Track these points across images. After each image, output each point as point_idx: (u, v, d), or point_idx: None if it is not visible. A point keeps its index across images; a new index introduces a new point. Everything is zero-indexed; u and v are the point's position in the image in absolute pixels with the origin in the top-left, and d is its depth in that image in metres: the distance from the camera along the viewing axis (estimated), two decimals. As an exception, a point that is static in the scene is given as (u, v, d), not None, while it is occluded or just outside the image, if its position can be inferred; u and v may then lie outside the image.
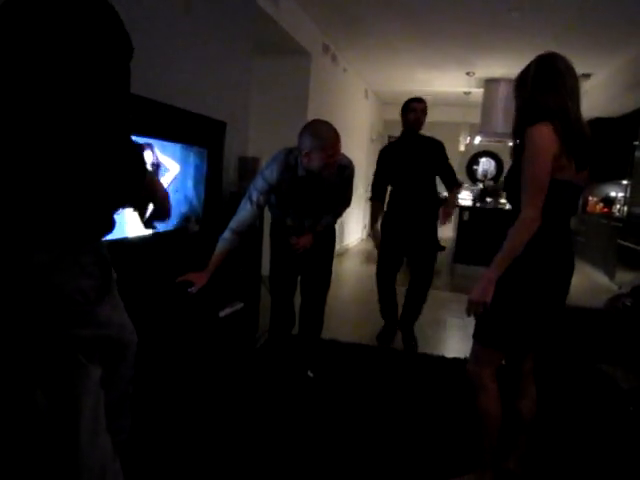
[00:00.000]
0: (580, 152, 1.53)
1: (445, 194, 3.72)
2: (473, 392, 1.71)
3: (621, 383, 1.69)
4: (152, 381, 1.90)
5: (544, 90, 1.54)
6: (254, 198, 2.32)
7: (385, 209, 3.50)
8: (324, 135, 2.22)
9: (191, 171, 2.41)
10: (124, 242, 1.87)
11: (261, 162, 3.21)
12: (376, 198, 3.48)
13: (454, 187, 3.49)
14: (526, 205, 1.49)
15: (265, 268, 3.13)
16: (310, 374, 2.73)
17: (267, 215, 2.73)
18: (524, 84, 1.59)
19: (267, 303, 2.82)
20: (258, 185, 2.34)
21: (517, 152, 1.58)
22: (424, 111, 3.28)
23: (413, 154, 3.29)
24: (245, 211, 2.32)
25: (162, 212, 1.15)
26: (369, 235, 3.60)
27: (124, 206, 1.05)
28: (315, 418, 2.26)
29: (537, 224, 1.48)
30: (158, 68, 2.38)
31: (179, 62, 2.57)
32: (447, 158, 3.40)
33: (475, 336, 1.68)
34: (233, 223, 2.30)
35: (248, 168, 3.15)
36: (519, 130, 1.57)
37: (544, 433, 2.00)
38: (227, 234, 2.29)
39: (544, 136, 1.47)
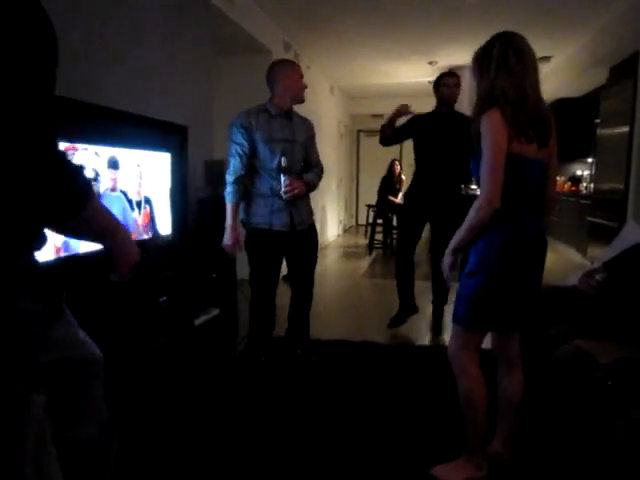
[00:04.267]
0: (539, 130, 1.57)
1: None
2: (456, 376, 1.71)
3: (599, 358, 1.71)
4: (127, 398, 1.83)
5: (505, 73, 1.54)
6: (239, 150, 2.46)
7: (410, 183, 3.50)
8: (289, 61, 2.66)
9: (154, 178, 2.35)
10: (92, 253, 1.80)
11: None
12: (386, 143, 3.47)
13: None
14: (484, 188, 1.53)
15: (241, 273, 3.08)
16: (299, 351, 2.83)
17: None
18: (487, 68, 1.58)
19: (243, 308, 2.78)
20: (236, 138, 2.46)
21: (477, 139, 1.59)
22: (457, 85, 3.24)
23: (446, 129, 3.22)
24: (235, 161, 2.47)
25: (120, 262, 1.00)
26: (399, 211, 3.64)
27: (52, 225, 0.91)
28: (303, 417, 2.22)
29: (495, 206, 1.52)
30: (110, 73, 2.30)
31: (131, 66, 2.49)
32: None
33: (454, 320, 1.70)
34: (230, 176, 2.47)
35: (215, 172, 3.09)
36: (477, 117, 1.59)
37: (527, 414, 2.01)
38: (230, 188, 2.47)
39: (494, 123, 1.51)
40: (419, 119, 3.42)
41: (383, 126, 3.42)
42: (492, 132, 1.52)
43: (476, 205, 1.55)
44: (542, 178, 1.66)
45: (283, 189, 2.46)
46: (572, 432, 1.87)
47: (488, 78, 1.57)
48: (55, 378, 0.95)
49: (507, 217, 1.57)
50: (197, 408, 2.26)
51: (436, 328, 3.52)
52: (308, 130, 2.68)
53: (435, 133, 3.27)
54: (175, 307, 2.22)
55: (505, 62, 1.54)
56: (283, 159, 2.46)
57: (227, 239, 2.50)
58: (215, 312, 2.60)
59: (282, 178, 2.46)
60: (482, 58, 1.61)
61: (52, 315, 0.92)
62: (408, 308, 3.53)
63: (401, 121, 3.44)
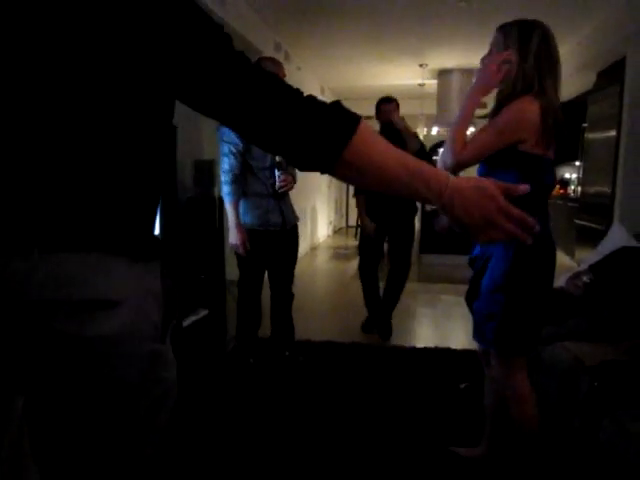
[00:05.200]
0: (560, 137, 1.48)
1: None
2: (508, 401, 1.56)
3: (586, 360, 1.72)
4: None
5: (546, 71, 1.45)
6: (232, 149, 2.44)
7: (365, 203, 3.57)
8: (272, 59, 2.67)
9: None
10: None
11: (217, 164, 3.14)
12: (360, 193, 3.56)
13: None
14: (463, 154, 1.45)
15: (230, 274, 3.07)
16: (287, 353, 2.83)
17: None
18: (524, 56, 1.46)
19: (232, 309, 2.77)
20: (230, 137, 2.44)
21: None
22: (394, 110, 3.43)
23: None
24: (230, 160, 2.45)
25: None
26: (360, 226, 3.68)
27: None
28: (292, 419, 2.21)
29: (455, 169, 1.46)
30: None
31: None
32: (422, 144, 3.51)
33: (490, 345, 1.55)
34: (226, 175, 2.44)
35: (205, 171, 3.07)
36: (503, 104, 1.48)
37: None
38: (229, 187, 2.44)
39: (529, 111, 1.41)
40: None
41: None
42: (518, 120, 1.41)
43: (448, 162, 1.47)
44: (554, 179, 1.57)
45: (278, 184, 2.50)
46: (559, 432, 1.88)
47: (533, 73, 1.44)
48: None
49: (540, 224, 1.45)
50: (186, 410, 2.24)
51: (385, 333, 3.47)
52: None
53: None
54: (175, 305, 2.20)
55: (550, 63, 1.46)
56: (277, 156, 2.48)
57: (235, 239, 2.48)
58: (204, 313, 2.58)
59: (276, 173, 2.50)
60: (526, 50, 1.47)
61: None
62: (376, 317, 3.55)
63: None
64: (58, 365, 0.65)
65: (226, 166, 2.46)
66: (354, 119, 0.72)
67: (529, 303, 1.46)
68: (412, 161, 0.75)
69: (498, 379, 1.57)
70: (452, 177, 0.75)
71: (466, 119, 1.50)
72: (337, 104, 0.74)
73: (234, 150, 2.45)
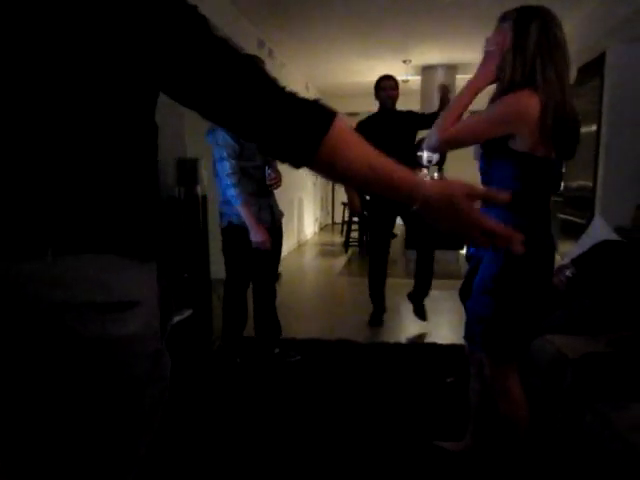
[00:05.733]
0: (565, 137, 1.37)
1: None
2: (497, 399, 1.53)
3: (568, 353, 1.74)
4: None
5: (547, 61, 1.34)
6: (230, 152, 2.42)
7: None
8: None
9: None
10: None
11: (201, 162, 3.11)
12: None
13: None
14: (449, 131, 1.39)
15: (214, 273, 3.05)
16: (277, 350, 2.83)
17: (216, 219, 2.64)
18: (522, 49, 1.37)
19: (217, 308, 2.75)
20: (226, 140, 2.42)
21: None
22: (394, 88, 3.42)
23: (390, 130, 3.35)
24: (230, 164, 2.43)
25: None
26: (349, 204, 3.68)
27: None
28: (280, 416, 2.20)
29: (441, 148, 1.42)
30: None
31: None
32: (416, 113, 3.51)
33: (480, 348, 1.52)
34: (231, 178, 2.43)
35: (187, 170, 3.05)
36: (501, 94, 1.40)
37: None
38: (236, 189, 2.42)
39: (525, 105, 1.32)
40: (364, 123, 3.53)
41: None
42: (512, 113, 1.33)
43: (433, 138, 1.43)
44: (559, 178, 1.51)
45: (268, 181, 2.54)
46: (544, 424, 1.90)
47: (532, 64, 1.35)
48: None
49: (527, 227, 1.33)
50: (173, 412, 2.21)
51: (420, 313, 3.56)
52: None
53: (381, 133, 3.34)
54: (170, 304, 2.18)
55: (552, 52, 1.36)
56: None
57: (258, 236, 2.45)
58: (188, 313, 2.56)
59: (267, 171, 2.53)
60: (524, 41, 1.38)
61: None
62: (381, 308, 3.58)
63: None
64: (75, 365, 0.65)
65: (229, 169, 2.44)
66: (330, 115, 0.71)
67: (519, 308, 1.41)
68: (383, 165, 0.73)
69: (489, 379, 1.54)
70: (425, 183, 0.73)
71: (460, 103, 1.42)
72: (314, 100, 0.73)
73: (232, 152, 2.44)
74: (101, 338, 0.65)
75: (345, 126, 0.73)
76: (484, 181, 1.51)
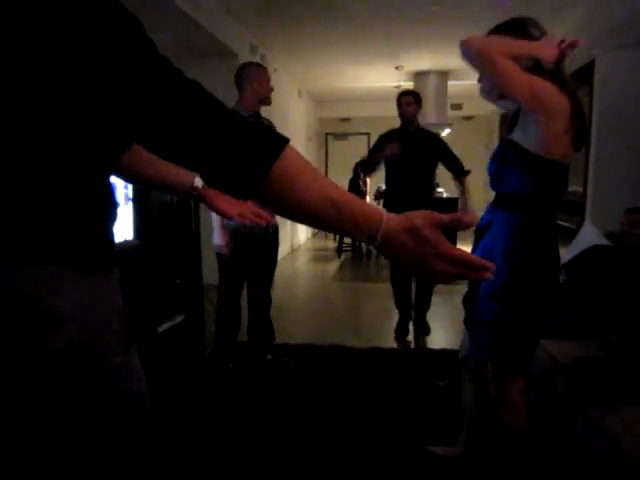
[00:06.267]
0: (582, 129, 1.39)
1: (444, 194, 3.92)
2: (497, 404, 1.51)
3: (559, 358, 1.75)
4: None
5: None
6: None
7: (383, 199, 3.68)
8: (258, 64, 2.70)
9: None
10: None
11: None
12: (368, 172, 3.69)
13: (462, 176, 3.48)
14: (491, 52, 1.31)
15: (206, 278, 3.03)
16: (269, 356, 2.82)
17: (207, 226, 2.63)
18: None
19: (209, 313, 2.74)
20: None
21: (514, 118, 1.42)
22: (409, 104, 3.40)
23: (411, 146, 3.34)
24: None
25: None
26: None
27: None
28: (273, 421, 2.19)
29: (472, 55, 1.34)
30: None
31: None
32: (449, 149, 3.47)
33: (486, 355, 1.50)
34: None
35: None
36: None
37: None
38: None
39: (560, 101, 1.31)
40: (387, 136, 3.51)
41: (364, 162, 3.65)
42: (551, 91, 1.30)
43: (477, 43, 1.35)
44: (567, 184, 1.49)
45: None
46: (536, 428, 1.90)
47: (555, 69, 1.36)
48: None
49: (535, 232, 1.39)
50: (165, 419, 2.20)
51: (421, 330, 3.53)
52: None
53: (406, 150, 3.34)
54: (137, 314, 2.16)
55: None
56: None
57: (219, 239, 2.42)
58: (180, 318, 2.55)
59: None
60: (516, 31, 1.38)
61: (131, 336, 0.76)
62: (407, 315, 3.56)
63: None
64: (12, 379, 0.61)
65: None
66: (280, 142, 0.66)
67: (527, 314, 1.40)
68: (342, 197, 0.67)
69: (491, 385, 1.51)
70: (385, 217, 0.67)
71: (513, 48, 1.35)
72: (266, 126, 0.69)
73: None
74: (30, 352, 0.60)
75: (298, 155, 0.68)
76: (494, 185, 1.50)
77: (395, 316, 3.75)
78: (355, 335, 3.48)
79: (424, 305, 3.56)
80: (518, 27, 1.40)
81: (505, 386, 1.48)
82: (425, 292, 3.53)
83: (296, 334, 3.41)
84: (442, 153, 3.45)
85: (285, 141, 0.67)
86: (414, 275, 0.70)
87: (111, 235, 0.73)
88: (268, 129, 0.68)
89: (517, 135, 1.40)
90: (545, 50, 1.35)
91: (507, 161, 1.41)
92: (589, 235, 2.74)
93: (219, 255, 2.56)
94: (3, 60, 0.58)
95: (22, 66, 0.58)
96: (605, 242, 2.58)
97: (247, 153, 0.64)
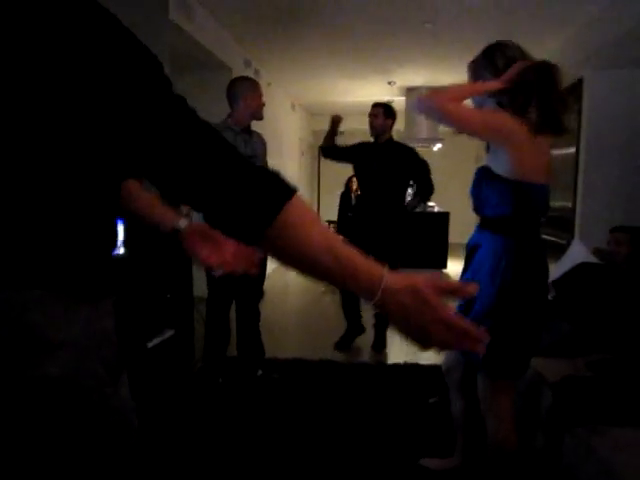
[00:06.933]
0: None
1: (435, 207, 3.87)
2: (487, 419, 1.54)
3: (548, 376, 1.75)
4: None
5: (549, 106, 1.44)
6: None
7: (350, 214, 3.59)
8: (250, 79, 2.70)
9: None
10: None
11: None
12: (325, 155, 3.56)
13: (423, 199, 3.58)
14: (450, 105, 1.39)
15: (196, 290, 3.02)
16: (260, 372, 2.80)
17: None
18: (528, 91, 1.43)
19: (199, 327, 2.72)
20: None
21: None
22: (376, 115, 3.39)
23: (376, 160, 3.33)
24: None
25: None
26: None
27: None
28: (262, 437, 2.17)
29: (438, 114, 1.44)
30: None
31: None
32: (424, 168, 3.41)
33: (478, 369, 1.53)
34: None
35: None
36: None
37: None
38: None
39: (514, 129, 1.39)
40: (361, 146, 3.54)
41: (325, 137, 3.53)
42: (502, 125, 1.40)
43: (433, 102, 1.43)
44: (547, 204, 1.57)
45: None
46: (523, 446, 1.90)
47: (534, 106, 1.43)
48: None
49: (519, 251, 1.44)
50: (155, 434, 2.17)
51: (379, 345, 3.51)
52: (263, 145, 2.74)
53: (371, 162, 3.36)
54: (126, 329, 2.14)
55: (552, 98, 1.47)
56: None
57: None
58: (170, 333, 2.53)
59: None
60: (528, 85, 1.44)
61: (121, 367, 0.75)
62: (356, 328, 3.54)
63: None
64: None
65: None
66: (287, 191, 0.66)
67: (517, 329, 1.44)
68: (344, 251, 0.67)
69: (481, 398, 1.54)
70: (387, 274, 0.66)
71: (463, 91, 1.46)
72: (274, 173, 0.68)
73: None
74: (21, 380, 0.60)
75: (304, 204, 0.68)
76: (476, 208, 1.55)
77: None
78: (346, 350, 3.47)
79: (385, 320, 3.52)
80: (488, 57, 1.50)
81: (495, 401, 1.50)
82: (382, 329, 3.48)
83: (286, 348, 3.39)
84: (415, 170, 3.38)
85: (293, 190, 0.67)
86: (410, 337, 0.68)
87: (109, 261, 0.72)
88: (277, 176, 0.68)
89: (490, 162, 1.47)
90: (487, 86, 1.46)
91: (485, 186, 1.47)
92: (577, 253, 2.77)
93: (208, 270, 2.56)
94: (23, 93, 0.58)
95: (42, 96, 0.58)
96: (593, 259, 2.61)
97: (255, 199, 0.64)
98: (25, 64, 0.57)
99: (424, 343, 0.68)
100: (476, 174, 1.54)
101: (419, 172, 3.41)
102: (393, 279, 0.66)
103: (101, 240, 0.70)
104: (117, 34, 0.63)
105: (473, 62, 1.54)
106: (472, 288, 0.68)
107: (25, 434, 0.62)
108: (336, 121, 3.44)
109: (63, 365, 0.63)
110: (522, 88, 1.42)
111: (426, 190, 3.45)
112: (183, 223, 1.05)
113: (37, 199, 0.61)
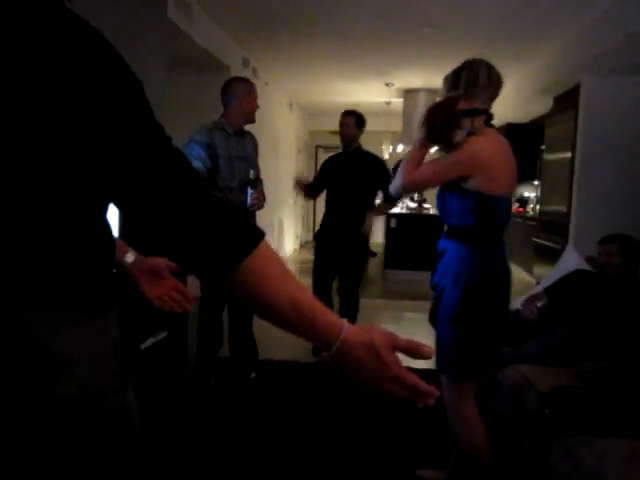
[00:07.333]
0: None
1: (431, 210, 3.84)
2: (454, 426, 1.65)
3: (538, 386, 1.76)
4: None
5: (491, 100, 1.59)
6: (200, 166, 2.36)
7: (320, 224, 3.56)
8: (247, 80, 2.64)
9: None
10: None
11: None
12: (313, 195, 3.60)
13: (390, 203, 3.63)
14: (414, 174, 1.53)
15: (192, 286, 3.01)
16: (254, 374, 2.79)
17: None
18: (473, 91, 1.57)
19: (192, 328, 2.72)
20: (199, 154, 2.39)
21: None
22: (349, 125, 3.34)
23: (349, 169, 3.35)
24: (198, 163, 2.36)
25: None
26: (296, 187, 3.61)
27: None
28: (254, 439, 2.18)
29: (401, 191, 1.57)
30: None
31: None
32: (386, 173, 3.43)
33: (441, 370, 1.64)
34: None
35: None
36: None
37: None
38: None
39: (475, 152, 1.50)
40: (329, 161, 3.58)
41: (304, 194, 3.61)
42: (462, 153, 1.51)
43: (397, 182, 1.58)
44: (509, 213, 1.65)
45: (250, 201, 2.48)
46: (511, 456, 1.92)
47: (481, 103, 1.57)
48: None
49: (481, 259, 1.54)
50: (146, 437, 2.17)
51: None
52: (255, 146, 2.74)
53: (341, 172, 3.37)
54: (125, 333, 2.14)
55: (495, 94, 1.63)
56: (252, 172, 2.50)
57: None
58: (163, 334, 2.52)
59: (249, 191, 2.48)
60: (474, 85, 1.60)
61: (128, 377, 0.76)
62: None
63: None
64: (11, 429, 0.61)
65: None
66: (253, 237, 0.66)
67: (478, 334, 1.52)
68: (307, 302, 0.68)
69: (447, 404, 1.63)
70: (345, 328, 0.67)
71: (413, 156, 1.59)
72: (243, 219, 0.69)
73: (202, 166, 2.40)
74: (39, 400, 0.61)
75: (270, 251, 0.69)
76: (442, 216, 1.66)
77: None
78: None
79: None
80: (455, 75, 1.61)
81: (457, 403, 1.60)
82: (350, 304, 3.44)
83: (279, 350, 3.39)
84: (380, 176, 3.36)
85: (260, 236, 0.68)
86: (362, 384, 0.70)
87: (110, 272, 0.73)
88: (247, 219, 0.69)
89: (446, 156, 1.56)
90: (415, 142, 1.61)
91: (449, 198, 1.56)
92: (570, 260, 2.79)
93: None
94: (7, 120, 0.58)
95: (25, 123, 0.58)
96: (586, 267, 2.62)
97: (221, 243, 0.64)
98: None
99: (375, 390, 0.70)
100: (440, 187, 1.63)
101: (383, 176, 3.39)
102: (351, 333, 0.67)
103: (102, 252, 0.70)
104: (97, 54, 0.62)
105: (445, 78, 1.65)
106: (427, 350, 0.69)
107: (49, 454, 0.63)
108: (300, 183, 3.55)
109: (79, 383, 0.63)
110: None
111: (392, 199, 3.47)
112: (130, 258, 1.06)
113: (38, 220, 0.61)
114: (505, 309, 1.62)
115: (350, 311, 3.39)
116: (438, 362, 1.62)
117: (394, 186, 1.60)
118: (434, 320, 1.67)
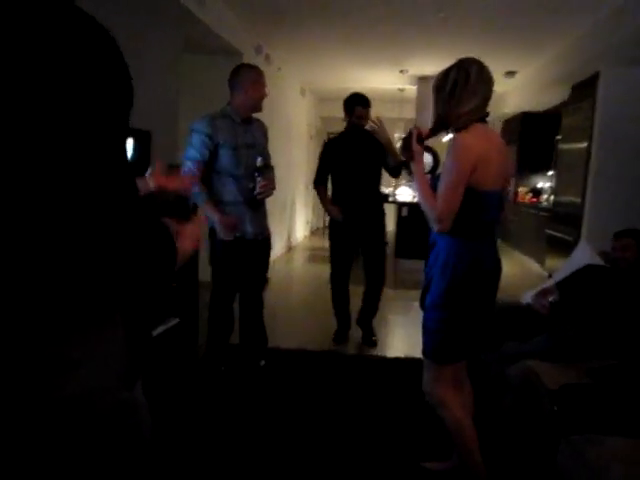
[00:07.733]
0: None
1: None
2: (437, 410, 1.71)
3: (547, 382, 1.76)
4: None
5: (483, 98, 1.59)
6: (197, 156, 2.37)
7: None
8: (255, 68, 2.56)
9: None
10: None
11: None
12: (321, 183, 3.50)
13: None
14: (442, 217, 1.54)
15: (203, 272, 3.02)
16: (263, 362, 2.81)
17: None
18: (464, 90, 1.57)
19: (203, 314, 2.75)
20: (198, 143, 2.38)
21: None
22: (366, 117, 3.32)
23: (357, 150, 3.32)
24: (194, 165, 2.35)
25: None
26: (328, 214, 3.52)
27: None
28: (263, 428, 2.21)
29: (445, 226, 1.55)
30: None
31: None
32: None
33: (424, 354, 1.72)
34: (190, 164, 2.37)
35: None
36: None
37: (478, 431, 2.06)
38: (198, 188, 2.35)
39: (467, 146, 1.53)
40: (330, 143, 3.54)
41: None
42: (459, 149, 1.55)
43: (431, 217, 1.59)
44: (499, 209, 1.69)
45: (258, 189, 2.45)
46: (519, 452, 1.92)
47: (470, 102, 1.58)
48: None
49: (468, 251, 1.59)
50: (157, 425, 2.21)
51: (368, 341, 3.49)
52: (265, 134, 2.70)
53: (349, 154, 3.33)
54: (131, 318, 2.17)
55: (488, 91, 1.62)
56: (259, 159, 2.46)
57: (223, 227, 2.41)
58: (174, 321, 2.56)
59: (257, 178, 2.45)
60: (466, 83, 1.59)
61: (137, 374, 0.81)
62: (346, 325, 3.56)
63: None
64: (19, 430, 0.63)
65: (188, 163, 2.40)
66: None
67: (462, 321, 1.60)
68: None
69: (424, 390, 1.73)
70: None
71: (422, 186, 1.64)
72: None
73: (199, 156, 2.40)
74: (43, 400, 0.63)
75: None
76: None
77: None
78: (350, 341, 3.50)
79: (370, 310, 3.49)
80: (445, 75, 1.63)
81: (433, 386, 1.69)
82: (372, 297, 3.45)
83: (288, 338, 3.42)
84: (381, 150, 3.31)
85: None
86: None
87: (114, 274, 0.72)
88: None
89: (445, 169, 1.59)
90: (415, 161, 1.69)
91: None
92: (583, 253, 2.76)
93: (212, 259, 2.56)
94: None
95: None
96: (599, 261, 2.59)
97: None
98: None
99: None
100: (432, 182, 1.67)
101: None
102: None
103: (107, 254, 0.69)
104: (93, 54, 0.65)
105: (435, 79, 1.67)
106: None
107: (54, 454, 0.65)
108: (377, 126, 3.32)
109: (84, 384, 0.65)
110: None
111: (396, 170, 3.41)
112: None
113: (41, 224, 0.62)
114: (490, 302, 1.68)
115: (377, 285, 3.42)
116: (423, 349, 1.72)
117: (435, 227, 1.59)
118: (423, 306, 1.77)
